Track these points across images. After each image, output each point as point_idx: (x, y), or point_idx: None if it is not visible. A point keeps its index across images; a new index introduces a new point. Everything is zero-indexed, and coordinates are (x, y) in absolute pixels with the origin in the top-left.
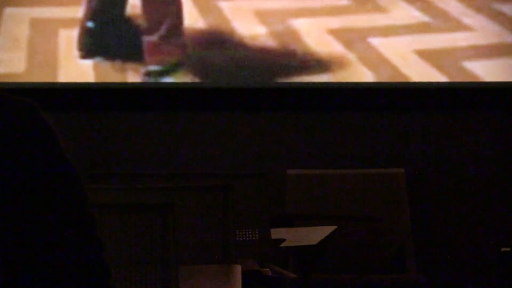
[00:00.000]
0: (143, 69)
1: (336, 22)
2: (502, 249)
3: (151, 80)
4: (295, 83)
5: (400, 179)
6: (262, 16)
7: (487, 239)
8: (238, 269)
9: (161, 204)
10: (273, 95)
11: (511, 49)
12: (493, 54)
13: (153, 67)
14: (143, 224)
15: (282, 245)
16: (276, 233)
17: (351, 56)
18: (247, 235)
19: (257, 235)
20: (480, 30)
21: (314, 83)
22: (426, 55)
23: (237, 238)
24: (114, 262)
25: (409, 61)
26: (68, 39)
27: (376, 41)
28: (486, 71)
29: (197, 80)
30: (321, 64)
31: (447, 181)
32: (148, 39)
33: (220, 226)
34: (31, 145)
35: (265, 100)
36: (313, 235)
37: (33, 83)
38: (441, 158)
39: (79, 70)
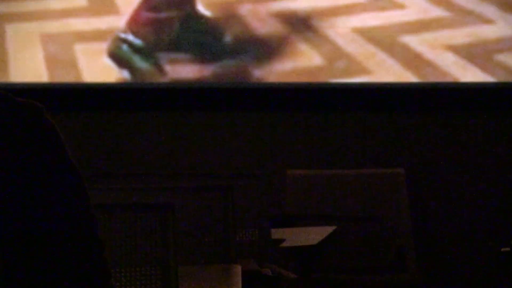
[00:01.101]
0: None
1: (279, 5)
2: (502, 249)
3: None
4: (295, 83)
5: (400, 179)
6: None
7: (487, 239)
8: (238, 269)
9: (161, 204)
10: (273, 95)
11: (439, 23)
12: (423, 28)
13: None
14: (143, 224)
15: (282, 245)
16: (276, 233)
17: (295, 37)
18: (247, 235)
19: (257, 235)
20: (411, 7)
21: (314, 83)
22: (365, 32)
23: (237, 238)
24: (114, 262)
25: (350, 39)
26: (16, 35)
27: (318, 23)
28: (418, 44)
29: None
30: (265, 46)
31: (447, 181)
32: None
33: (220, 226)
34: (36, 147)
35: (265, 100)
36: (313, 235)
37: (34, 83)
38: (441, 158)
39: (31, 65)
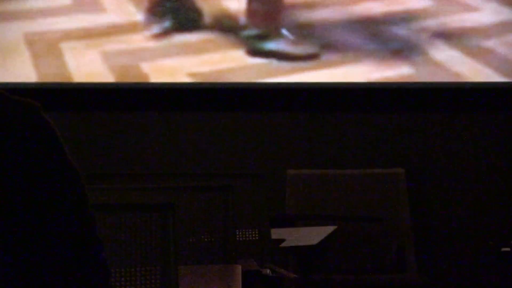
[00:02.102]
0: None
1: None
2: (502, 249)
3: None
4: (295, 83)
5: (400, 179)
6: None
7: (487, 239)
8: (238, 269)
9: (161, 204)
10: (273, 95)
11: (425, 12)
12: (410, 17)
13: (251, 32)
14: (143, 224)
15: (282, 245)
16: (276, 233)
17: None
18: (247, 235)
19: (257, 235)
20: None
21: (314, 83)
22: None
23: (237, 238)
24: (114, 262)
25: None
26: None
27: (304, 13)
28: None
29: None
30: None
31: (447, 181)
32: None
33: (220, 226)
34: (34, 146)
35: (265, 100)
36: (313, 235)
37: (34, 83)
38: (441, 158)
39: (18, 64)
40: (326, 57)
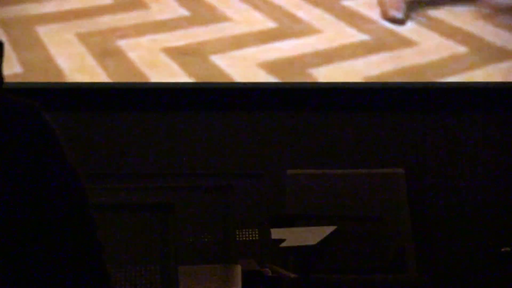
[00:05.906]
0: None
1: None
2: (502, 249)
3: None
4: (295, 83)
5: (400, 179)
6: None
7: (487, 239)
8: (238, 269)
9: (161, 204)
10: (273, 95)
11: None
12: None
13: None
14: (143, 224)
15: (282, 245)
16: (276, 233)
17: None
18: (247, 235)
19: (257, 235)
20: None
21: (314, 83)
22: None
23: (237, 238)
24: (114, 262)
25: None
26: None
27: None
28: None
29: None
30: None
31: (447, 181)
32: None
33: (220, 226)
34: (33, 146)
35: (265, 100)
36: (313, 235)
37: (33, 83)
38: (441, 158)
39: None
40: None
